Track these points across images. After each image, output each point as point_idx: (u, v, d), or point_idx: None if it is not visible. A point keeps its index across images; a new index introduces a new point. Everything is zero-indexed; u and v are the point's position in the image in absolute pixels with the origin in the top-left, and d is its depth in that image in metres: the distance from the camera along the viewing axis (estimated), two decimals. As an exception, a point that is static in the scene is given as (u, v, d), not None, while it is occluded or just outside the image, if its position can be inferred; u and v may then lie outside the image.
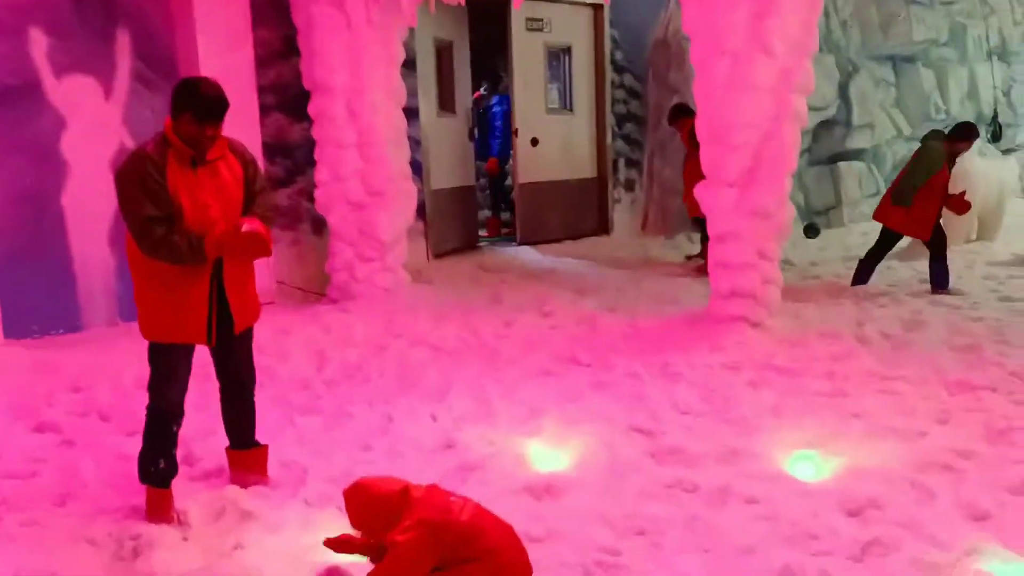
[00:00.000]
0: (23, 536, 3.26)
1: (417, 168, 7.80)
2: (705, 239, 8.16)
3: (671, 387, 4.73)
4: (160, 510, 3.38)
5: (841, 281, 7.39)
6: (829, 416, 4.21)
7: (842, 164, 10.76)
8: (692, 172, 7.91)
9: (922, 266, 7.65)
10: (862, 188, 10.99)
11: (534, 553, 2.99)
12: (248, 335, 3.59)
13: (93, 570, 2.99)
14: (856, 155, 10.98)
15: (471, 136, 9.30)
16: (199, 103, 3.17)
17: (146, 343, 3.38)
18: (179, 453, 3.51)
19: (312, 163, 6.94)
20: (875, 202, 11.02)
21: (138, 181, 3.15)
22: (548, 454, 3.91)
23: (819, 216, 10.48)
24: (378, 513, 2.77)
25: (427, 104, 8.28)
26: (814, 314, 6.06)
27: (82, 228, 6.11)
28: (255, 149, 6.65)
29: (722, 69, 5.30)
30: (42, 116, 5.94)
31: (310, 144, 6.95)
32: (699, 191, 5.61)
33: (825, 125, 10.46)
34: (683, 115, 8.20)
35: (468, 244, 9.20)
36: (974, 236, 9.15)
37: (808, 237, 9.81)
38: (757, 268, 5.43)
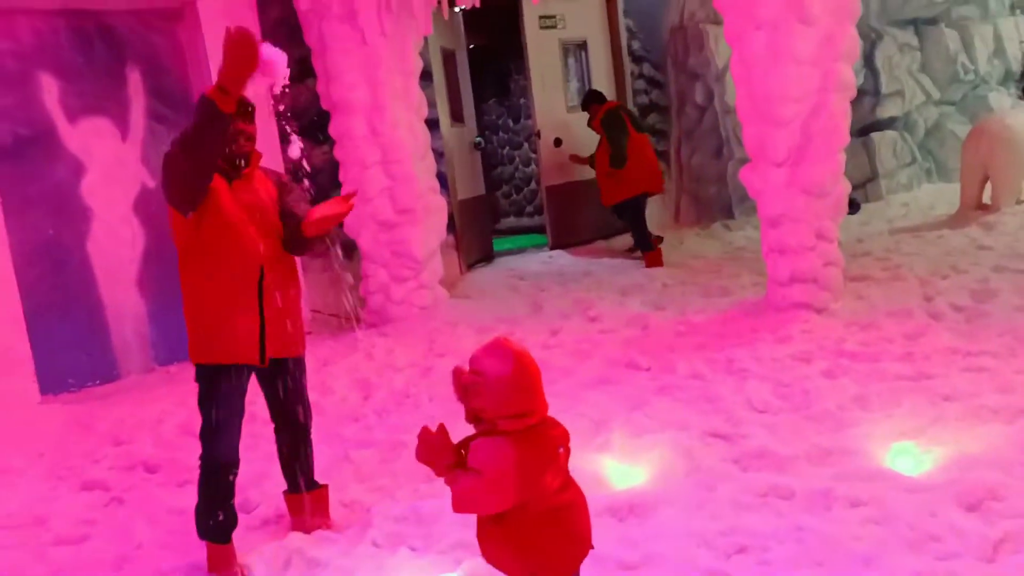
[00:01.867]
0: (81, 610, 3.06)
1: (443, 180, 7.57)
2: (632, 227, 8.20)
3: (741, 385, 4.44)
4: (223, 566, 3.19)
5: (893, 257, 7.06)
6: (920, 401, 3.91)
7: (875, 135, 10.43)
8: (602, 159, 8.07)
9: (975, 233, 7.36)
10: (897, 158, 10.64)
11: (633, 584, 2.75)
12: (300, 367, 3.38)
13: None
14: (888, 124, 10.63)
15: (477, 146, 9.16)
16: None
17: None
18: (235, 501, 3.30)
19: (337, 185, 6.72)
20: (912, 172, 10.78)
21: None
22: (623, 469, 3.66)
23: (857, 190, 10.12)
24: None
25: (444, 114, 8.08)
26: (877, 293, 5.74)
27: (110, 274, 5.93)
28: (277, 176, 6.45)
29: (759, 43, 5.01)
30: (59, 164, 5.77)
31: (334, 166, 6.75)
32: (745, 173, 5.33)
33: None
34: (594, 101, 8.30)
35: (487, 255, 9.01)
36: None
37: (849, 213, 9.46)
38: (817, 250, 5.13)
